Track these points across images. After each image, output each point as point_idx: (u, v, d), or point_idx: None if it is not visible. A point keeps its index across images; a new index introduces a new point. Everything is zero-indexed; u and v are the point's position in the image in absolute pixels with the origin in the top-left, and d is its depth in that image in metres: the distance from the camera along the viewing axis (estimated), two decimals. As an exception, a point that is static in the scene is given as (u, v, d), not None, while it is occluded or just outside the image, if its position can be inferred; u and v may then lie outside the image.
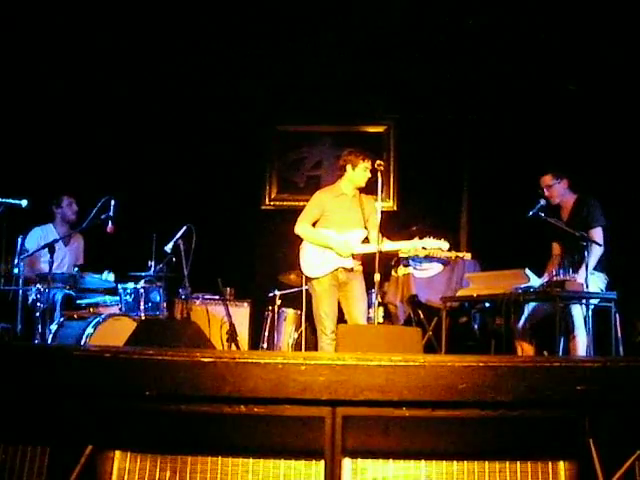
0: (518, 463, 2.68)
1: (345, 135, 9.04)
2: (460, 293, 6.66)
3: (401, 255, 6.64)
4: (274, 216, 8.78)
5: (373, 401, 2.60)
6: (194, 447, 2.74)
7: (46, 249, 6.27)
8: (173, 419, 2.72)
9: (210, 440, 2.74)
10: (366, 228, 6.09)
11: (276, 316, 7.63)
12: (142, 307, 6.58)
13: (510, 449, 2.69)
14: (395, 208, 8.93)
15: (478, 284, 6.46)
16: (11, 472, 2.74)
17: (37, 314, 6.22)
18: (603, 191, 6.61)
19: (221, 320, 7.33)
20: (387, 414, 2.63)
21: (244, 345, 7.45)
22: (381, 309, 7.41)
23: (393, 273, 7.61)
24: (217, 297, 7.63)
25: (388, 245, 5.90)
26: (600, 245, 5.97)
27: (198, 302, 7.60)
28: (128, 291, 6.65)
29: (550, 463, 2.69)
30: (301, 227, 6.11)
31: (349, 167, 6.09)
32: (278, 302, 7.66)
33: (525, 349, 6.28)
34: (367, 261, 6.05)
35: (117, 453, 2.78)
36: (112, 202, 6.32)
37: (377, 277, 5.64)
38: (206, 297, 7.70)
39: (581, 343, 5.86)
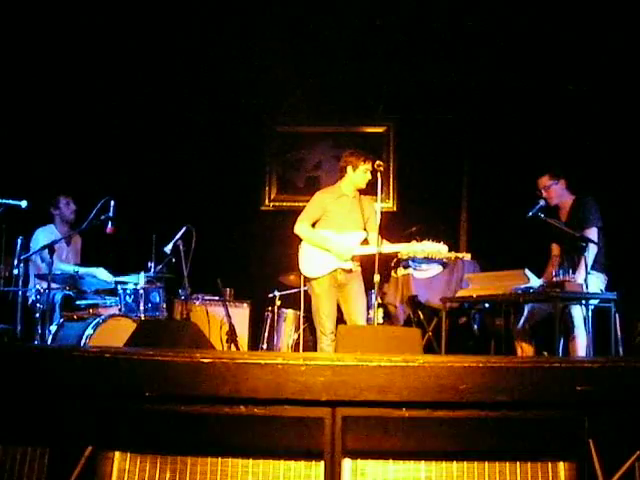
0: (518, 464, 2.68)
1: (345, 136, 9.05)
2: (460, 294, 6.66)
3: (400, 256, 6.65)
4: (274, 217, 8.78)
5: (373, 402, 2.60)
6: (194, 448, 2.74)
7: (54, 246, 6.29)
8: (173, 420, 2.71)
9: (210, 441, 2.74)
10: (365, 230, 6.09)
11: (276, 317, 7.63)
12: (142, 308, 6.57)
13: (510, 450, 2.69)
14: (395, 209, 8.94)
15: (478, 285, 6.46)
16: (11, 473, 2.73)
17: (37, 315, 6.23)
18: (603, 191, 6.62)
19: (221, 321, 7.33)
20: (387, 415, 2.63)
21: (244, 346, 7.45)
22: (381, 310, 7.42)
23: (393, 274, 7.62)
24: (217, 298, 7.63)
25: (387, 247, 5.90)
26: (596, 244, 5.98)
27: (198, 303, 7.61)
28: (128, 292, 6.65)
29: (550, 464, 2.69)
30: (300, 227, 6.10)
31: (349, 168, 6.09)
32: (278, 303, 7.66)
33: (525, 350, 6.28)
34: (366, 262, 6.04)
35: (117, 454, 2.77)
36: (112, 203, 6.32)
37: (377, 278, 5.64)
38: (206, 298, 7.70)
39: (581, 343, 5.86)
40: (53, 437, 2.73)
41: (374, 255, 5.68)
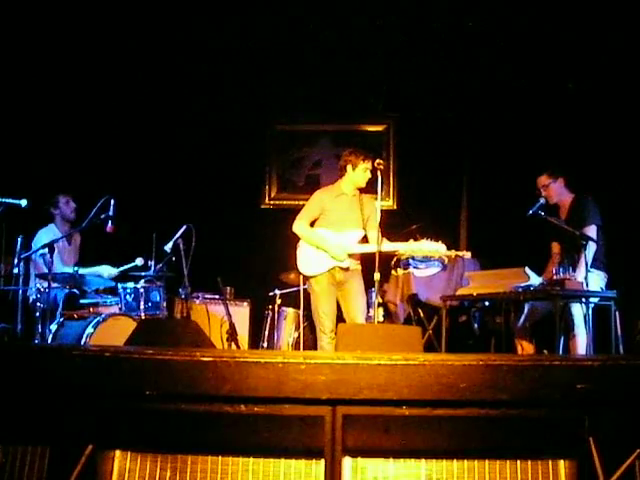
0: (518, 462, 2.68)
1: (345, 134, 9.05)
2: (460, 292, 6.66)
3: (399, 255, 6.65)
4: (274, 215, 8.78)
5: (373, 400, 2.60)
6: (194, 446, 2.74)
7: (58, 246, 6.29)
8: (173, 419, 2.72)
9: (210, 439, 2.74)
10: (364, 228, 6.09)
11: (276, 315, 7.63)
12: (142, 307, 6.58)
13: (510, 448, 2.69)
14: (395, 207, 8.94)
15: (478, 283, 6.46)
16: (11, 472, 2.74)
17: (37, 314, 6.23)
18: (603, 190, 6.62)
19: (221, 319, 7.33)
20: (387, 413, 2.63)
21: (244, 344, 7.45)
22: (381, 308, 7.41)
23: (393, 272, 7.62)
24: (217, 296, 7.63)
25: (385, 246, 5.90)
26: (595, 242, 5.98)
27: (198, 301, 7.61)
28: (128, 291, 6.65)
29: (550, 462, 2.69)
30: (298, 226, 6.11)
31: (349, 167, 6.08)
32: (278, 301, 7.66)
33: (525, 348, 6.29)
34: (367, 260, 6.04)
35: (117, 453, 2.77)
36: (112, 202, 6.32)
37: (377, 276, 5.64)
38: (206, 296, 7.70)
39: (581, 342, 5.86)
40: (53, 436, 2.74)
41: (374, 253, 5.68)
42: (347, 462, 2.68)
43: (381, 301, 7.37)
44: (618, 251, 6.39)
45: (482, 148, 8.38)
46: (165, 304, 6.83)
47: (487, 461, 2.68)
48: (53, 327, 6.27)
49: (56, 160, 8.06)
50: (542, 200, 6.16)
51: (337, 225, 6.05)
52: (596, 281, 6.01)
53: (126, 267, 6.85)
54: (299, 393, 2.61)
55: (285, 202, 9.02)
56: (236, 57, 8.27)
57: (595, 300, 5.90)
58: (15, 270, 6.42)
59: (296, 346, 7.43)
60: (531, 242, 6.78)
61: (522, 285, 5.91)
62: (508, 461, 2.68)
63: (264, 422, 2.67)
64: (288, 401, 2.62)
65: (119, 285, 6.71)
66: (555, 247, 6.47)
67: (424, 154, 8.71)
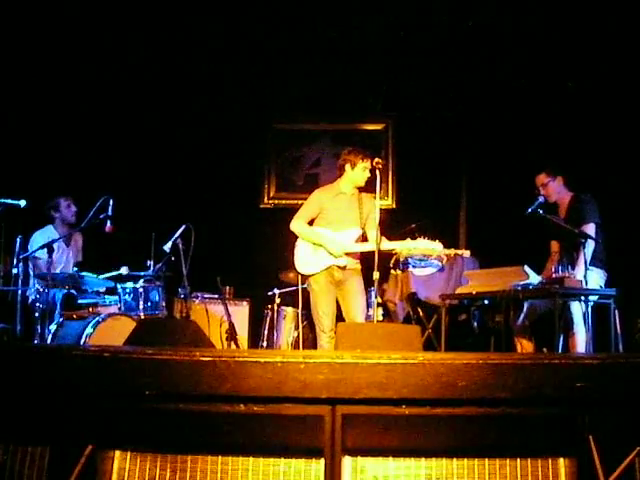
0: (518, 460, 2.68)
1: (343, 133, 9.06)
2: (459, 290, 6.66)
3: (398, 255, 6.66)
4: (273, 214, 8.78)
5: (373, 399, 2.61)
6: (194, 446, 2.74)
7: (53, 247, 6.28)
8: (173, 418, 2.72)
9: (210, 439, 2.74)
10: (363, 227, 6.09)
11: (275, 314, 7.63)
12: (141, 307, 6.58)
13: (510, 446, 2.69)
14: (394, 206, 8.95)
15: (477, 281, 6.46)
16: (11, 472, 2.74)
17: (36, 314, 6.23)
18: (603, 188, 6.63)
19: (220, 319, 7.33)
20: (387, 412, 2.63)
21: (243, 344, 7.46)
22: (380, 307, 7.42)
23: (392, 271, 7.62)
24: (216, 296, 7.63)
25: (384, 245, 5.89)
26: (594, 240, 5.98)
27: (197, 301, 7.61)
28: (127, 291, 6.65)
29: (550, 460, 2.69)
30: (296, 224, 6.12)
31: (348, 167, 6.08)
32: (277, 300, 7.66)
33: (524, 346, 6.29)
34: (366, 260, 6.04)
35: (117, 453, 2.77)
36: (110, 201, 6.32)
37: (376, 275, 5.64)
38: (205, 296, 7.70)
39: (580, 340, 5.87)
40: (53, 436, 2.74)
41: (373, 252, 5.68)
42: (347, 461, 2.68)
43: (380, 300, 7.37)
44: (617, 249, 6.39)
45: (481, 147, 8.38)
46: (164, 304, 6.82)
47: (487, 460, 2.68)
48: (52, 327, 6.27)
49: (55, 160, 8.06)
50: (541, 199, 6.16)
51: (336, 224, 6.06)
52: (595, 279, 6.01)
53: (109, 275, 6.82)
54: (298, 392, 2.61)
55: (284, 201, 9.02)
56: (235, 57, 8.27)
57: (594, 298, 5.89)
58: (14, 270, 6.42)
59: (295, 345, 7.43)
60: (530, 240, 6.78)
61: (521, 283, 5.92)
62: (508, 459, 2.68)
63: (264, 422, 2.67)
64: (288, 400, 2.62)
65: (118, 285, 6.71)
66: (554, 245, 6.47)
67: (423, 153, 8.71)
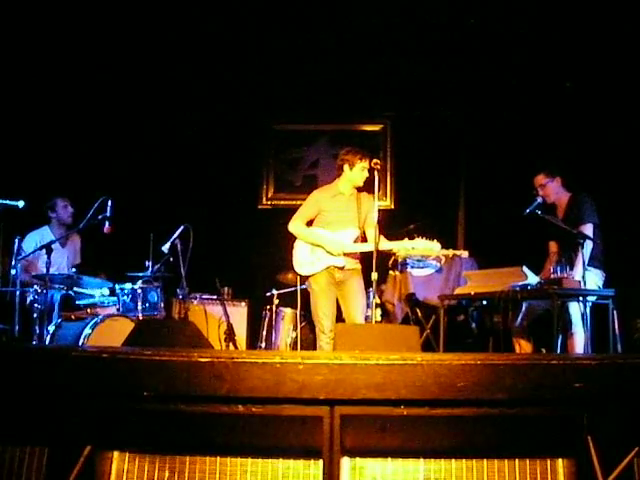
0: (516, 461, 2.68)
1: (342, 134, 9.06)
2: (458, 291, 6.66)
3: (397, 255, 6.66)
4: (271, 215, 8.78)
5: (371, 400, 2.60)
6: (192, 447, 2.74)
7: (43, 250, 6.26)
8: (171, 419, 2.71)
9: (208, 440, 2.74)
10: (362, 227, 6.09)
11: (274, 315, 7.62)
12: (140, 307, 6.57)
13: (508, 447, 2.69)
14: (392, 206, 8.95)
15: (476, 282, 6.46)
16: (10, 473, 2.73)
17: (35, 315, 6.22)
18: (601, 189, 6.63)
19: (219, 320, 7.33)
20: (385, 413, 2.63)
21: (242, 345, 7.45)
22: (379, 308, 7.41)
23: (390, 272, 7.62)
24: (215, 297, 7.64)
25: (382, 245, 5.89)
26: (592, 240, 5.98)
27: (196, 302, 7.61)
28: (126, 292, 6.65)
29: (549, 461, 2.69)
30: (294, 225, 6.12)
31: (346, 167, 6.08)
32: (276, 301, 7.65)
33: (523, 347, 6.29)
34: (364, 261, 6.05)
35: (116, 453, 2.77)
36: (109, 202, 6.31)
37: (374, 276, 5.64)
38: (204, 297, 7.70)
39: (579, 340, 5.87)
40: (52, 437, 2.73)
41: (372, 253, 5.68)
42: (345, 462, 2.68)
43: (379, 301, 7.37)
44: (616, 249, 6.39)
45: (479, 147, 8.38)
46: (163, 305, 6.82)
47: (485, 460, 2.68)
48: (51, 328, 6.27)
49: (54, 161, 8.06)
50: (539, 199, 6.16)
51: (334, 225, 6.06)
52: (594, 280, 6.02)
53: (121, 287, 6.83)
54: (297, 393, 2.61)
55: (282, 202, 9.02)
56: (234, 58, 8.26)
57: (593, 299, 5.90)
58: (12, 271, 6.41)
59: (294, 346, 7.42)
60: (528, 241, 6.78)
61: (520, 284, 5.92)
62: (506, 460, 2.68)
63: (262, 422, 2.67)
64: (286, 401, 2.62)
65: (117, 286, 6.70)
66: (552, 246, 6.48)
67: (421, 153, 8.71)
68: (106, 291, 6.78)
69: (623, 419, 2.63)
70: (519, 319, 6.31)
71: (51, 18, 7.38)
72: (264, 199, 9.19)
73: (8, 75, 7.57)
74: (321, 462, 2.65)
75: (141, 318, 6.47)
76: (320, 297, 5.98)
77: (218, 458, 2.72)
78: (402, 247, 6.04)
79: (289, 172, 9.20)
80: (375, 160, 5.91)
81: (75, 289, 6.73)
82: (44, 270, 6.32)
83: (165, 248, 6.60)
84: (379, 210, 5.81)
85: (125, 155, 8.40)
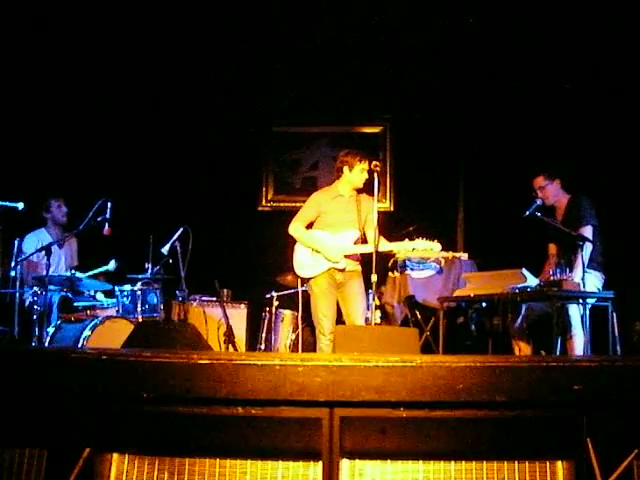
0: (516, 463, 2.68)
1: (341, 136, 9.06)
2: (457, 293, 6.66)
3: (397, 257, 6.66)
4: (271, 217, 8.78)
5: (370, 402, 2.61)
6: (192, 449, 2.74)
7: (42, 252, 6.27)
8: (171, 421, 2.71)
9: (207, 442, 2.74)
10: (363, 228, 6.09)
11: (273, 317, 7.62)
12: (139, 309, 6.57)
13: (508, 449, 2.69)
14: (391, 209, 8.94)
15: (475, 284, 6.46)
16: (9, 475, 2.73)
17: (34, 317, 6.22)
18: (600, 191, 6.63)
19: (218, 322, 7.32)
20: (385, 415, 2.63)
21: (241, 346, 7.45)
22: (378, 310, 7.41)
23: (390, 274, 7.62)
24: (214, 299, 7.62)
25: (381, 246, 5.89)
26: (591, 242, 5.98)
27: (195, 304, 7.60)
28: (125, 293, 6.65)
29: (548, 463, 2.69)
30: (294, 228, 6.12)
31: (346, 169, 6.08)
32: (275, 303, 7.64)
33: (522, 349, 6.29)
34: (364, 262, 6.04)
35: (115, 455, 2.77)
36: (108, 204, 6.31)
37: (374, 278, 5.64)
38: (203, 299, 7.69)
39: (578, 342, 5.87)
40: (51, 439, 2.73)
41: (372, 254, 5.68)
42: (345, 464, 2.68)
43: (378, 303, 7.36)
44: (615, 252, 6.39)
45: (479, 149, 8.38)
46: (162, 306, 6.82)
47: (485, 462, 2.68)
48: (50, 330, 6.26)
49: (53, 163, 8.06)
50: (538, 201, 6.16)
51: (334, 227, 6.05)
52: (593, 282, 6.01)
53: (97, 271, 6.83)
54: (296, 395, 2.61)
55: (282, 204, 9.02)
56: (233, 60, 8.27)
57: (592, 301, 5.90)
58: (12, 273, 6.41)
59: (294, 348, 7.42)
60: (528, 243, 6.78)
61: (519, 286, 5.91)
62: (506, 462, 2.68)
63: (261, 424, 2.67)
64: (285, 403, 2.62)
65: (116, 288, 6.70)
66: (552, 248, 6.48)
67: (421, 156, 8.71)
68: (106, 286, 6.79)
69: (622, 421, 2.63)
70: (518, 321, 6.30)
71: (48, 21, 7.38)
72: (264, 201, 9.19)
73: (8, 78, 7.57)
74: (320, 464, 2.65)
75: (140, 320, 6.47)
76: (320, 299, 5.97)
77: (218, 460, 2.72)
78: (402, 248, 6.03)
79: (289, 174, 9.20)
80: (375, 162, 5.91)
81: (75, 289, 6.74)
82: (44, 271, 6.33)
83: (164, 250, 6.60)
84: (379, 212, 5.81)
85: (124, 157, 8.40)
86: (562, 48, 7.49)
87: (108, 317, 6.37)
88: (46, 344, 6.11)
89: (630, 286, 6.45)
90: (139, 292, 6.62)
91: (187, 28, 7.76)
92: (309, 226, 6.15)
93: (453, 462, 2.69)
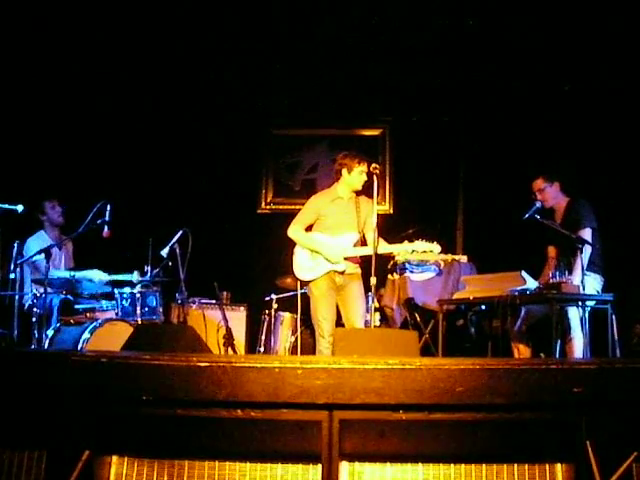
0: (515, 465, 2.68)
1: (341, 138, 9.06)
2: (456, 296, 6.65)
3: (396, 259, 6.65)
4: (270, 220, 8.77)
5: (370, 404, 2.61)
6: (191, 451, 2.74)
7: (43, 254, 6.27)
8: (170, 424, 2.71)
9: (207, 444, 2.74)
10: (362, 231, 6.09)
11: (273, 320, 7.62)
12: (139, 312, 6.57)
13: (507, 452, 2.69)
14: (391, 211, 8.94)
15: (474, 287, 6.45)
16: (8, 477, 2.73)
17: (34, 319, 6.21)
18: (599, 193, 6.63)
19: (218, 324, 7.32)
20: (384, 417, 2.63)
21: (241, 349, 7.44)
22: (377, 313, 7.41)
23: (389, 276, 7.62)
24: (213, 301, 7.62)
25: (381, 248, 5.89)
26: (590, 245, 5.99)
27: (194, 306, 7.60)
28: (125, 296, 6.65)
29: (547, 465, 2.69)
30: (293, 231, 6.11)
31: (344, 171, 6.08)
32: (275, 306, 7.64)
33: (522, 351, 6.29)
34: (363, 264, 6.04)
35: (114, 458, 2.77)
36: (108, 207, 6.31)
37: (373, 280, 5.64)
38: (202, 301, 7.69)
39: (578, 345, 5.87)
40: (50, 441, 2.73)
41: (371, 257, 5.68)
42: (344, 467, 2.68)
43: (378, 305, 7.36)
44: (614, 254, 6.39)
45: (478, 152, 8.39)
46: (162, 309, 6.82)
47: (484, 465, 2.68)
48: (50, 332, 6.26)
49: (52, 165, 8.05)
50: (538, 204, 6.16)
51: (333, 229, 6.05)
52: (592, 284, 6.01)
53: (118, 277, 6.82)
54: (296, 398, 2.61)
55: (281, 207, 9.02)
56: (233, 62, 8.27)
57: (591, 303, 5.90)
58: (12, 276, 6.41)
59: (293, 351, 7.41)
60: (527, 246, 6.78)
61: (518, 289, 5.91)
62: (505, 465, 2.68)
63: (261, 427, 2.67)
64: (285, 406, 2.62)
65: (116, 290, 6.70)
66: (551, 251, 6.48)
67: (420, 158, 8.71)
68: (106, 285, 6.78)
69: (622, 424, 2.63)
70: (518, 324, 6.31)
71: (46, 22, 7.39)
72: (263, 203, 9.19)
73: (8, 79, 7.58)
74: (320, 467, 2.65)
75: (140, 322, 6.47)
76: (320, 302, 5.97)
77: (217, 463, 2.72)
78: (402, 249, 6.02)
79: (288, 176, 9.20)
80: (374, 165, 5.91)
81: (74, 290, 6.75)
82: (52, 272, 6.34)
83: (164, 252, 6.59)
84: (378, 215, 5.80)
85: (124, 160, 8.40)
86: (562, 49, 7.49)
87: (107, 320, 6.37)
88: (45, 347, 6.11)
89: (629, 288, 6.45)
90: (138, 295, 6.62)
91: (186, 30, 7.76)
92: (308, 229, 6.15)
93: (452, 465, 2.69)
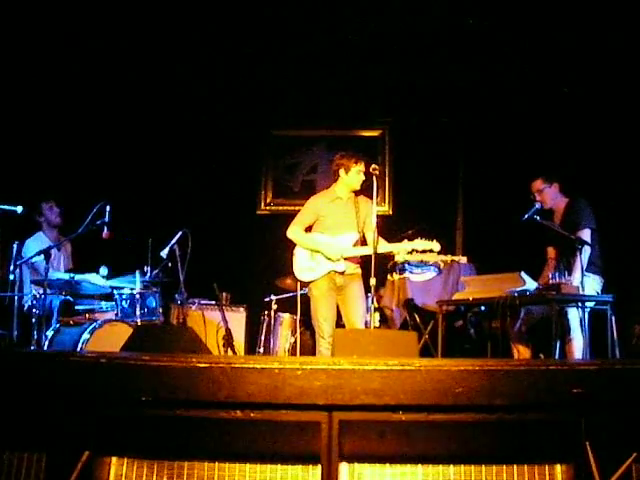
0: (515, 466, 2.68)
1: (340, 139, 9.06)
2: (456, 297, 6.65)
3: (396, 260, 6.65)
4: (269, 221, 8.78)
5: (369, 405, 2.60)
6: (191, 452, 2.74)
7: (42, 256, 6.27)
8: (169, 425, 2.71)
9: (207, 445, 2.74)
10: (361, 231, 6.09)
11: (272, 321, 7.62)
12: (138, 313, 6.56)
13: (507, 452, 2.69)
14: (390, 212, 8.95)
15: (474, 287, 6.45)
16: (8, 478, 2.73)
17: (33, 320, 6.21)
18: (599, 194, 6.63)
19: (217, 325, 7.32)
20: (383, 418, 2.63)
21: (240, 350, 7.44)
22: (377, 313, 7.40)
23: (389, 277, 7.61)
24: (213, 302, 7.62)
25: (381, 247, 5.89)
26: (590, 245, 5.99)
27: (194, 307, 7.60)
28: (124, 297, 6.64)
29: (547, 466, 2.69)
30: (293, 231, 6.12)
31: (342, 171, 6.09)
32: (274, 307, 7.65)
33: (521, 352, 6.29)
34: (363, 264, 6.04)
35: (114, 459, 2.77)
36: (107, 208, 6.31)
37: (373, 281, 5.64)
38: (202, 302, 7.69)
39: (577, 346, 5.87)
40: (50, 442, 2.73)
41: (371, 257, 5.68)
42: (343, 468, 2.67)
43: (377, 306, 7.35)
44: (614, 255, 6.40)
45: (477, 152, 8.39)
46: (161, 310, 6.81)
47: (484, 466, 2.68)
48: (49, 333, 6.26)
49: (52, 166, 8.05)
50: (537, 205, 6.17)
51: (333, 230, 6.06)
52: (592, 285, 6.02)
53: (118, 282, 6.82)
54: (295, 399, 2.61)
55: (281, 208, 9.02)
56: (233, 63, 8.27)
57: (591, 304, 5.90)
58: (11, 277, 6.41)
59: (292, 351, 7.41)
60: (527, 247, 6.78)
61: (518, 290, 5.91)
62: (505, 466, 2.68)
63: (260, 428, 2.67)
64: (284, 407, 2.62)
65: (115, 291, 6.70)
66: (551, 252, 6.48)
67: (419, 159, 8.72)
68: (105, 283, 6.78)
69: (621, 424, 2.63)
70: (517, 325, 6.31)
71: (45, 24, 7.39)
72: (262, 204, 9.19)
73: (7, 80, 7.57)
74: (319, 468, 2.64)
75: (139, 323, 6.46)
76: (320, 302, 5.97)
77: (216, 463, 2.72)
78: (402, 248, 6.02)
79: (287, 177, 9.20)
80: (374, 165, 5.91)
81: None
82: (52, 273, 6.33)
83: (164, 253, 6.59)
84: (377, 216, 5.81)
85: (123, 160, 8.40)
86: (561, 52, 7.50)
87: (107, 320, 6.36)
88: (45, 348, 6.11)
89: (629, 289, 6.45)
90: (138, 295, 6.62)
91: (186, 31, 7.76)
92: (308, 230, 6.15)
93: (452, 466, 2.69)
